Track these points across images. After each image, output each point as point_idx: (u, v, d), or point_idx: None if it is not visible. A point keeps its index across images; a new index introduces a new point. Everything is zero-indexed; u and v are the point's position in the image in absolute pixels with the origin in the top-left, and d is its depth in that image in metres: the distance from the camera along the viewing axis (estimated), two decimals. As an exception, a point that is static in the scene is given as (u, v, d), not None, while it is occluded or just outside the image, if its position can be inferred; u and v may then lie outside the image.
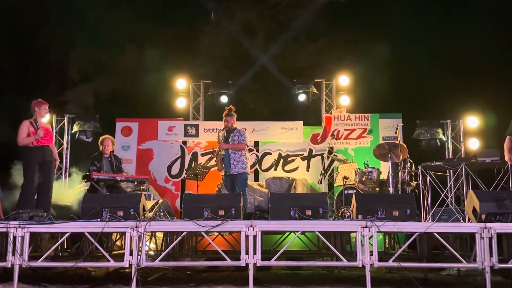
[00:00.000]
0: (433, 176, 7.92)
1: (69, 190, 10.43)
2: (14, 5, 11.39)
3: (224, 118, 8.08)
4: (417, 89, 11.44)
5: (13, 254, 5.41)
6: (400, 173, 8.24)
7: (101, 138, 8.92)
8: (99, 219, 5.71)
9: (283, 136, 10.85)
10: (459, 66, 11.12)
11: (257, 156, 10.82)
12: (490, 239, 5.38)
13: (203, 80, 11.67)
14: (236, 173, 7.81)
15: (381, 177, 8.76)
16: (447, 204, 7.97)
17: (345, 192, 8.65)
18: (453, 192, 8.81)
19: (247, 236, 5.47)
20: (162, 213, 6.20)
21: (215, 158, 8.10)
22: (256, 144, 10.89)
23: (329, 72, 11.60)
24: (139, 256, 5.43)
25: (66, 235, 5.71)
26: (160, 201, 8.02)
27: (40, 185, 7.00)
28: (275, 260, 5.64)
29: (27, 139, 6.96)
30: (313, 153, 10.79)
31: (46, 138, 7.13)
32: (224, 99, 11.22)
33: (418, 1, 11.90)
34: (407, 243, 5.79)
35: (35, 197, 6.98)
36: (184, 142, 10.97)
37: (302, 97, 11.18)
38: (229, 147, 7.87)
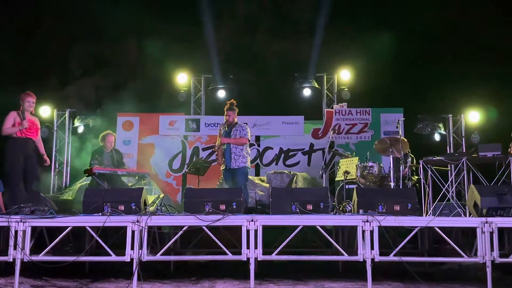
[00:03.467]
0: (434, 171, 7.92)
1: (70, 184, 10.47)
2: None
3: (225, 112, 8.07)
4: (419, 83, 11.42)
5: (15, 248, 5.42)
6: (401, 167, 8.23)
7: (103, 133, 8.92)
8: (100, 214, 5.72)
9: (284, 130, 10.85)
10: (460, 60, 11.08)
11: (258, 150, 10.83)
12: (491, 233, 5.39)
13: (204, 75, 11.67)
14: (237, 167, 7.81)
15: (382, 172, 8.75)
16: (448, 198, 7.97)
17: (346, 186, 8.64)
18: (454, 186, 8.81)
19: (248, 231, 5.48)
20: (163, 208, 6.20)
21: (216, 152, 8.11)
22: (257, 138, 10.90)
23: (330, 66, 11.58)
24: (140, 251, 5.44)
25: (68, 229, 5.72)
26: (161, 196, 8.03)
27: (26, 179, 6.99)
28: (276, 255, 5.64)
29: (11, 128, 6.95)
30: (314, 147, 10.80)
31: (31, 131, 7.11)
32: (224, 93, 11.21)
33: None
34: (408, 238, 5.79)
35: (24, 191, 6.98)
36: (185, 137, 10.98)
37: (307, 92, 11.18)
38: (230, 142, 7.86)
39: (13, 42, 11.44)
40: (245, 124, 8.16)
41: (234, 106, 8.08)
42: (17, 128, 6.95)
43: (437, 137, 10.92)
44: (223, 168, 8.00)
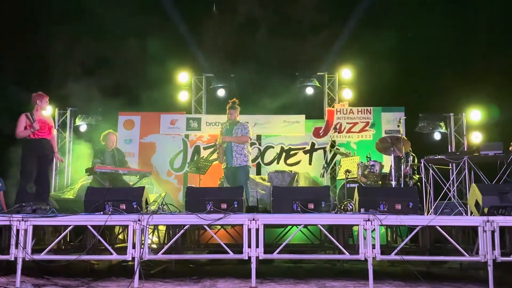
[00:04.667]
0: (436, 170, 7.92)
1: (72, 183, 10.47)
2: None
3: (227, 111, 8.09)
4: (420, 82, 11.40)
5: (16, 247, 5.43)
6: (402, 166, 8.23)
7: (104, 132, 8.94)
8: (102, 212, 5.72)
9: (286, 129, 10.85)
10: (462, 59, 11.07)
11: (259, 149, 10.82)
12: (493, 232, 5.38)
13: (205, 74, 11.66)
14: (238, 166, 7.81)
15: (383, 171, 8.76)
16: (449, 197, 7.97)
17: (348, 185, 8.66)
18: (455, 185, 8.82)
19: (249, 230, 5.48)
20: (165, 206, 6.20)
21: (217, 151, 8.12)
22: (259, 137, 10.89)
23: (332, 65, 11.58)
24: (141, 249, 5.44)
25: (69, 228, 5.73)
26: (162, 195, 8.03)
27: (38, 178, 7.03)
28: (277, 254, 5.65)
29: (24, 132, 7.05)
30: (316, 146, 10.79)
31: (43, 131, 7.16)
32: (226, 92, 11.20)
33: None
34: (409, 237, 5.80)
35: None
36: (187, 136, 10.97)
37: (308, 91, 11.17)
38: (232, 140, 7.87)
39: (14, 41, 11.44)
40: (247, 123, 8.17)
41: (236, 105, 8.10)
42: (29, 131, 7.04)
43: (438, 136, 10.91)
44: (224, 166, 8.01)
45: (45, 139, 7.20)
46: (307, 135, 10.85)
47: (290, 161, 10.75)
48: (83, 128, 11.11)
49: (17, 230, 5.46)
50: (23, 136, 7.06)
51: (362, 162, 8.77)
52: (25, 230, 5.48)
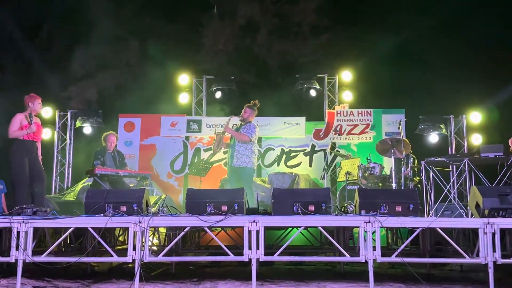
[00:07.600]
0: (436, 172, 7.93)
1: (72, 185, 10.47)
2: (17, 1, 11.39)
3: (244, 108, 8.08)
4: (420, 84, 11.42)
5: (17, 249, 5.42)
6: (403, 168, 8.24)
7: (105, 134, 8.94)
8: (102, 214, 5.72)
9: (286, 131, 10.86)
10: (462, 61, 11.08)
11: (259, 151, 10.82)
12: (493, 234, 5.38)
13: (206, 76, 11.67)
14: (238, 166, 7.78)
15: (384, 173, 8.76)
16: (450, 199, 7.98)
17: (348, 187, 8.65)
18: (456, 187, 8.81)
19: (250, 232, 5.48)
20: (165, 208, 6.20)
21: (215, 138, 8.15)
22: (259, 139, 10.88)
23: (332, 67, 11.59)
24: (142, 251, 5.44)
25: (70, 230, 5.72)
26: (163, 197, 8.03)
27: (33, 180, 7.00)
28: (278, 255, 5.64)
29: (19, 132, 6.96)
30: (316, 148, 10.80)
31: (37, 134, 7.13)
32: (226, 94, 11.20)
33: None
34: (410, 239, 5.79)
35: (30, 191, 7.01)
36: (187, 138, 10.98)
37: (308, 93, 11.17)
38: (232, 133, 7.87)
39: (15, 43, 11.46)
40: (255, 125, 8.13)
41: (255, 108, 8.09)
42: (25, 131, 6.96)
43: (438, 138, 10.92)
44: (228, 165, 7.99)
45: (36, 142, 7.16)
46: (308, 137, 10.86)
47: (290, 163, 10.76)
48: (83, 130, 11.11)
49: (18, 232, 5.45)
50: (17, 136, 6.96)
51: (362, 164, 8.78)
52: (26, 232, 5.47)
